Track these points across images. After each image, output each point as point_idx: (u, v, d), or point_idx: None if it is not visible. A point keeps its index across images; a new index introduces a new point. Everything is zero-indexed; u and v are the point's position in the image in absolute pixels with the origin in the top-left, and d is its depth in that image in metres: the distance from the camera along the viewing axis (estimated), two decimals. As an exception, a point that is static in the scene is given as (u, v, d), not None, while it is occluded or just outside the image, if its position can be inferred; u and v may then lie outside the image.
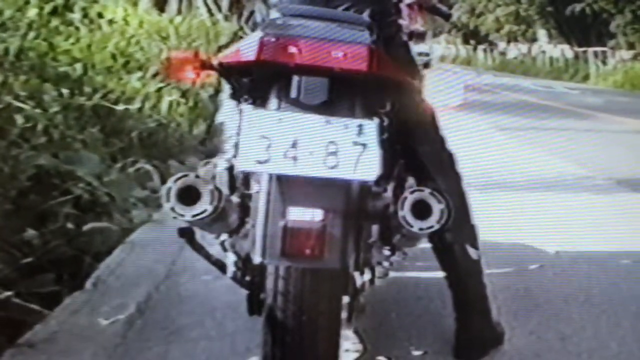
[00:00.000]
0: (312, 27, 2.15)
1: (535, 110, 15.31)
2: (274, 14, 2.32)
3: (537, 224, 4.93)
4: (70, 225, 3.82)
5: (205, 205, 2.01)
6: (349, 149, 2.02)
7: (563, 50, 37.56)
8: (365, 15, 2.41)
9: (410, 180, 2.44)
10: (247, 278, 2.29)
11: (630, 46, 31.72)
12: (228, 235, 2.26)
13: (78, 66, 5.16)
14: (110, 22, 6.82)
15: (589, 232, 4.73)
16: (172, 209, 2.04)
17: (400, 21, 2.63)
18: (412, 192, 2.02)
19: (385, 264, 2.24)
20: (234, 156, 2.17)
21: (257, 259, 2.06)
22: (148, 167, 5.46)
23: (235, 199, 2.21)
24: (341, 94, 2.08)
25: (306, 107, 2.05)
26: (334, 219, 2.03)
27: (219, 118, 2.62)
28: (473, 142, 9.39)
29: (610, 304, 3.36)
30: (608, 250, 4.24)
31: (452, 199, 2.04)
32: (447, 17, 3.23)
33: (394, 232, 2.13)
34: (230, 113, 2.31)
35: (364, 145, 2.02)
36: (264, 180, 2.07)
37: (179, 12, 18.75)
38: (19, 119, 3.77)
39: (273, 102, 2.11)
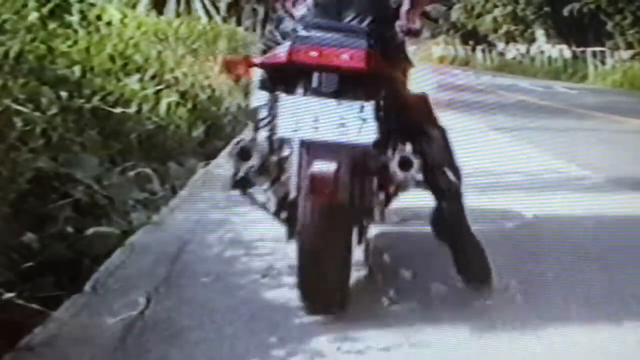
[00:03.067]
0: (326, 37, 3.05)
1: (534, 110, 15.34)
2: (299, 26, 3.19)
3: (536, 224, 4.93)
4: (69, 229, 3.82)
5: (255, 161, 3.12)
6: (353, 122, 2.93)
7: (561, 50, 37.59)
8: (365, 25, 3.25)
9: (408, 147, 3.25)
10: (283, 214, 3.20)
11: (629, 46, 31.75)
12: (269, 184, 3.23)
13: (76, 69, 5.15)
14: (109, 24, 6.82)
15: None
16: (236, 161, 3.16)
17: (398, 22, 3.34)
18: (399, 153, 3.11)
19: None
20: (272, 129, 3.11)
21: (292, 195, 3.01)
22: (147, 169, 5.46)
23: (274, 158, 3.16)
24: (348, 84, 2.99)
25: (323, 94, 2.97)
26: (344, 170, 2.88)
27: (254, 103, 3.42)
28: (472, 142, 9.41)
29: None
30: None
31: (437, 148, 3.39)
32: (435, 20, 3.88)
33: (389, 182, 3.16)
34: (265, 100, 3.25)
35: (364, 119, 2.94)
36: (295, 143, 3.00)
37: (178, 14, 18.77)
38: (18, 122, 3.76)
39: (299, 90, 3.04)
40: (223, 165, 6.96)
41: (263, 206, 3.37)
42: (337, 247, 3.00)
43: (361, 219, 3.17)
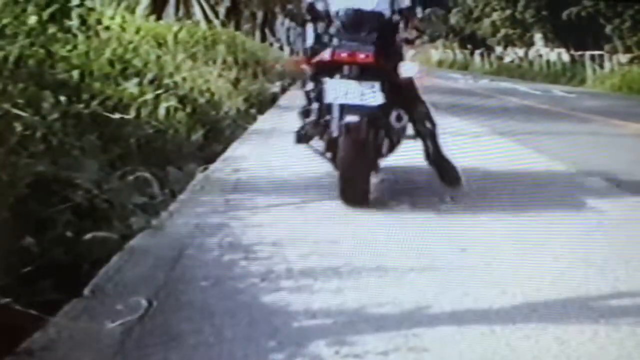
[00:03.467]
0: (351, 45, 5.22)
1: (533, 114, 15.34)
2: (335, 39, 5.35)
3: (535, 227, 4.94)
4: (69, 233, 3.82)
5: (312, 118, 5.28)
6: (368, 94, 5.06)
7: (560, 54, 37.57)
8: (373, 38, 5.30)
9: (401, 110, 5.32)
10: (329, 154, 5.33)
11: (628, 49, 31.75)
12: (319, 135, 5.33)
13: (76, 73, 5.15)
14: (108, 28, 6.82)
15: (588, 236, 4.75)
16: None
17: (398, 35, 5.52)
18: (395, 112, 5.24)
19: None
20: (320, 100, 5.15)
21: (334, 135, 5.06)
22: (146, 174, 5.47)
23: (322, 117, 5.21)
24: (364, 72, 5.11)
25: (350, 78, 5.10)
26: (364, 121, 5.01)
27: (307, 88, 5.41)
28: (471, 146, 9.44)
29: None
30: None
31: (419, 110, 5.47)
32: (423, 32, 5.81)
33: (390, 131, 5.24)
34: (314, 86, 5.32)
35: (374, 92, 5.08)
36: (336, 106, 5.08)
37: (177, 18, 18.76)
38: (18, 127, 3.76)
39: (337, 76, 5.14)
40: (222, 169, 6.98)
41: (316, 150, 5.47)
42: (362, 168, 5.10)
43: (375, 151, 5.25)
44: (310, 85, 5.41)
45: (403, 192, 5.61)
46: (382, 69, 5.17)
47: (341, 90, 5.09)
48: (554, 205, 5.60)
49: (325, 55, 5.26)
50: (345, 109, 5.05)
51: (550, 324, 3.13)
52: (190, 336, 2.95)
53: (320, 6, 5.51)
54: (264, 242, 4.32)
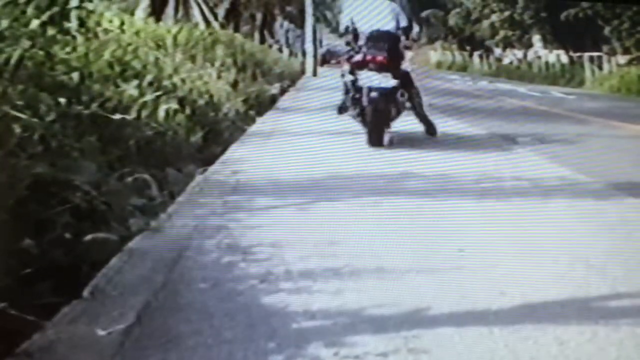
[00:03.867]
0: (373, 51, 8.51)
1: (532, 115, 15.34)
2: (363, 48, 8.66)
3: (534, 229, 4.94)
4: (68, 235, 3.81)
5: (350, 94, 8.69)
6: (384, 80, 8.36)
7: (559, 56, 37.59)
8: (386, 46, 8.59)
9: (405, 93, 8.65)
10: (359, 118, 8.50)
11: (626, 51, 31.78)
12: (354, 106, 8.62)
13: (75, 75, 5.14)
14: (107, 30, 6.82)
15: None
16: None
17: (401, 43, 8.80)
18: (400, 90, 8.55)
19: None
20: (355, 85, 8.54)
21: (364, 105, 8.36)
22: (145, 175, 5.47)
23: (356, 94, 8.55)
24: (382, 68, 8.39)
25: (374, 71, 8.41)
26: (382, 97, 8.35)
27: (345, 79, 8.82)
28: (469, 147, 9.44)
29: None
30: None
31: (414, 90, 8.79)
32: (416, 40, 9.45)
33: (397, 104, 8.55)
34: (350, 77, 8.63)
35: (388, 79, 8.38)
36: (365, 87, 8.38)
37: (176, 20, 18.76)
38: (17, 128, 3.76)
39: (365, 70, 8.44)
40: (221, 171, 6.98)
41: (352, 115, 8.51)
42: (380, 125, 8.21)
43: (388, 115, 8.31)
44: (348, 77, 8.70)
45: (401, 141, 8.39)
46: (391, 66, 8.49)
47: (368, 78, 8.38)
48: (553, 207, 5.61)
49: (358, 57, 8.61)
50: (370, 89, 8.35)
51: (549, 325, 3.13)
52: (189, 337, 2.95)
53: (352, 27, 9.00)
54: (263, 244, 4.31)
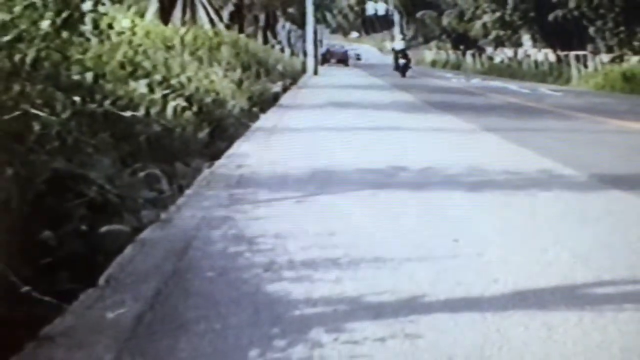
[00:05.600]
0: (401, 53, 35.91)
1: (522, 111, 15.36)
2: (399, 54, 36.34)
3: (523, 219, 4.96)
4: (84, 226, 3.84)
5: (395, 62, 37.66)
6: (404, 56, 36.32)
7: (547, 54, 37.55)
8: (404, 51, 36.40)
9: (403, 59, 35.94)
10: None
11: (609, 49, 31.73)
12: (396, 64, 36.99)
13: (89, 75, 5.16)
14: (119, 33, 6.83)
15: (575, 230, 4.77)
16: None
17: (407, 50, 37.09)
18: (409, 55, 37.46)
19: None
20: (397, 58, 36.29)
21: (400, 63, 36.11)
22: (156, 170, 5.49)
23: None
24: (404, 54, 36.24)
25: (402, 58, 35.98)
26: (406, 59, 35.96)
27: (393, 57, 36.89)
28: (461, 142, 9.44)
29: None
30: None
31: (407, 57, 36.26)
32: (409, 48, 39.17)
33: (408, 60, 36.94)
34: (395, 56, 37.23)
35: (407, 55, 36.83)
36: (400, 59, 36.23)
37: (183, 22, 18.75)
38: (36, 126, 3.77)
39: (400, 55, 37.03)
40: (227, 165, 7.00)
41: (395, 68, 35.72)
42: (405, 68, 34.63)
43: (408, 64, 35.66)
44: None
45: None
46: (406, 56, 34.13)
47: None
48: (542, 199, 5.63)
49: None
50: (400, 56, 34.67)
51: (538, 311, 3.15)
52: (198, 323, 2.97)
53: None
54: (267, 235, 4.33)
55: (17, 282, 2.99)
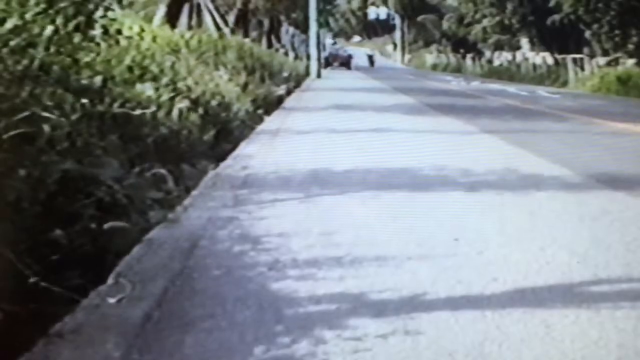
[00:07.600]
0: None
1: (520, 113, 15.34)
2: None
3: (522, 219, 4.96)
4: (93, 226, 3.84)
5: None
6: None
7: (544, 58, 37.49)
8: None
9: None
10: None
11: (605, 53, 31.69)
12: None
13: (98, 78, 5.17)
14: (128, 37, 6.83)
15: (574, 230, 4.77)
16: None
17: None
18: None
19: None
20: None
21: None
22: (163, 171, 5.49)
23: None
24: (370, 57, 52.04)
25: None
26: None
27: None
28: (462, 143, 9.44)
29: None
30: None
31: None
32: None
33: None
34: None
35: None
36: None
37: (190, 27, 18.77)
38: (46, 128, 3.78)
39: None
40: (232, 166, 7.00)
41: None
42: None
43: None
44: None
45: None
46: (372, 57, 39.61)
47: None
48: (540, 198, 5.62)
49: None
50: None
51: (537, 308, 3.15)
52: (204, 320, 2.98)
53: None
54: (271, 234, 4.33)
55: (27, 274, 2.99)
